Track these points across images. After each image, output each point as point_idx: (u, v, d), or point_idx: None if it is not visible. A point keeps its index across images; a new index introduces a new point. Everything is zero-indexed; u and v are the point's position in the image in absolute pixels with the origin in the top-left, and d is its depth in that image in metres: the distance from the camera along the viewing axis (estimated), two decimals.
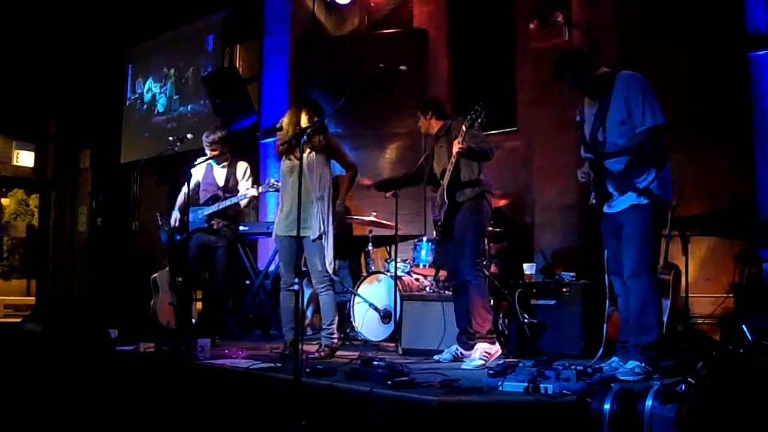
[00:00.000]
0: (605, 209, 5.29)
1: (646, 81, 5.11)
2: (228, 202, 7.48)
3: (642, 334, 4.98)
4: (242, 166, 7.79)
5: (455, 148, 5.72)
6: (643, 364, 4.88)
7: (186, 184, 7.46)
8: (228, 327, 8.24)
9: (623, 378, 4.71)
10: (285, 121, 6.54)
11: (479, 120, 5.72)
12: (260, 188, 7.46)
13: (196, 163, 7.70)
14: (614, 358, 5.19)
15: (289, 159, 6.50)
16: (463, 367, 5.62)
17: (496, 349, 5.85)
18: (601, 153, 5.14)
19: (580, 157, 5.50)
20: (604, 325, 5.93)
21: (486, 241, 7.15)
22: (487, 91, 9.53)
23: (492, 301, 6.92)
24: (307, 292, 7.71)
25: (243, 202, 7.58)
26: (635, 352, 4.97)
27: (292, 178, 6.39)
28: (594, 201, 5.33)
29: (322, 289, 6.45)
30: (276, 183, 7.17)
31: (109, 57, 13.60)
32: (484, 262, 7.07)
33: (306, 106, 6.52)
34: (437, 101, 6.66)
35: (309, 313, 8.54)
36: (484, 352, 5.74)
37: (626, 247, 5.08)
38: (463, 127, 5.71)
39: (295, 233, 5.79)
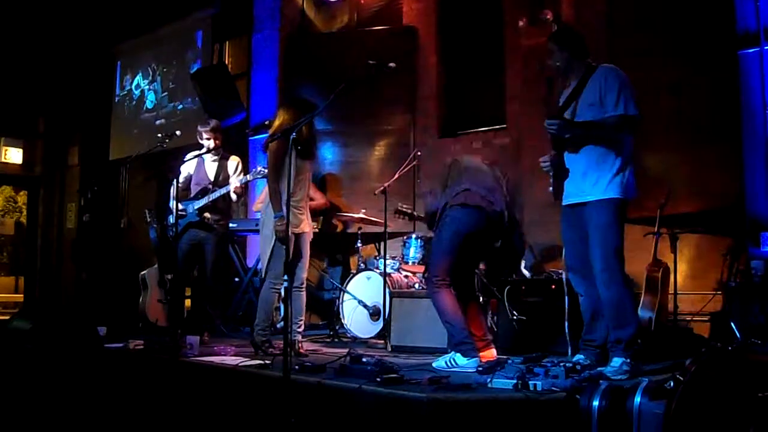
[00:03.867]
0: (567, 201, 5.29)
1: (626, 76, 5.13)
2: (217, 194, 7.42)
3: (621, 329, 4.96)
4: (234, 161, 7.73)
5: None
6: (629, 360, 4.87)
7: (175, 178, 7.38)
8: (217, 324, 8.20)
9: (613, 377, 4.68)
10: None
11: None
12: (249, 176, 7.38)
13: (186, 158, 7.65)
14: (579, 356, 5.20)
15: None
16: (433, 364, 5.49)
17: (466, 362, 5.45)
18: (566, 120, 5.14)
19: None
20: (566, 323, 5.96)
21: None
22: (477, 88, 9.54)
23: (481, 299, 6.92)
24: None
25: (233, 195, 7.51)
26: (618, 348, 4.95)
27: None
28: (552, 189, 5.32)
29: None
30: (263, 170, 7.07)
31: (97, 53, 13.55)
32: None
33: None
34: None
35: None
36: (452, 359, 5.51)
37: (595, 241, 5.03)
38: None
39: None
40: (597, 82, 5.12)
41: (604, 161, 5.06)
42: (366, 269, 7.91)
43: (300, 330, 6.53)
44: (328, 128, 9.67)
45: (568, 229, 5.36)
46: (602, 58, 5.66)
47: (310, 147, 6.56)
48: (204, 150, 7.56)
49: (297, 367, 5.17)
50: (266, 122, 10.16)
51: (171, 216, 7.45)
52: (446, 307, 5.61)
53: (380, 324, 7.36)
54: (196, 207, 7.43)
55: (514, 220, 5.96)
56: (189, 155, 7.61)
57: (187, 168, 7.66)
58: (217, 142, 7.55)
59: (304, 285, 6.56)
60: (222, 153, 7.69)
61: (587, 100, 5.14)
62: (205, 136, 7.55)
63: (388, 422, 4.29)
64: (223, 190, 7.42)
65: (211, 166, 7.65)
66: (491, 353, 5.68)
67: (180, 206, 7.31)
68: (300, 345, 6.49)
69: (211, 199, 7.42)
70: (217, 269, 7.59)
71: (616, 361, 4.90)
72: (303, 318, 6.59)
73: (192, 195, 7.56)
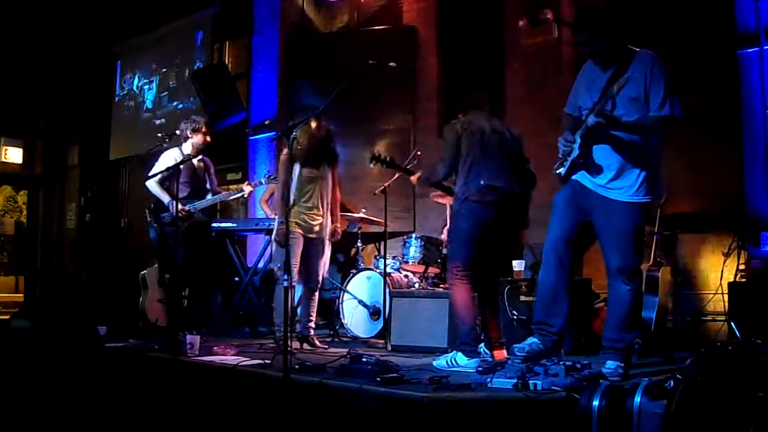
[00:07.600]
0: (582, 181, 5.05)
1: (668, 68, 4.86)
2: (223, 197, 7.49)
3: (625, 332, 4.88)
4: (210, 166, 7.81)
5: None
6: (623, 364, 4.80)
7: (176, 175, 7.30)
8: (207, 322, 8.19)
9: (611, 378, 4.65)
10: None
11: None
12: (263, 179, 7.68)
13: (164, 154, 7.49)
14: (532, 339, 5.17)
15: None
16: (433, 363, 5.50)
17: (467, 362, 5.39)
18: (612, 117, 4.76)
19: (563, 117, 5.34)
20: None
21: None
22: (476, 88, 9.52)
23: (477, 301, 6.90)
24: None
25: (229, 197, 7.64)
26: (614, 350, 4.87)
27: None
28: (563, 171, 5.14)
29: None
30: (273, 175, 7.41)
31: (97, 53, 13.57)
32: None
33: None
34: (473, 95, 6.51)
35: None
36: (453, 359, 5.47)
37: (619, 242, 4.86)
38: None
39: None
40: (641, 73, 4.78)
41: (638, 160, 4.82)
42: (366, 269, 7.90)
43: (312, 325, 6.99)
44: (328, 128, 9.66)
45: (567, 204, 5.16)
46: None
47: (320, 155, 6.96)
48: (195, 153, 7.45)
49: (297, 366, 5.17)
50: (266, 122, 10.17)
51: (167, 215, 7.40)
52: (461, 303, 5.55)
53: (380, 323, 7.36)
54: (198, 208, 7.40)
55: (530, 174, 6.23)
56: (170, 152, 7.49)
57: (168, 161, 7.50)
58: (209, 138, 7.58)
59: (319, 286, 7.01)
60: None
61: (629, 94, 4.76)
62: (202, 136, 7.47)
63: (388, 422, 4.29)
64: (232, 195, 7.53)
65: (198, 166, 7.62)
66: (503, 353, 5.62)
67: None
68: (313, 338, 6.94)
69: (213, 202, 7.45)
70: (207, 267, 7.64)
71: (612, 363, 4.80)
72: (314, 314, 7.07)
73: (186, 194, 7.43)
